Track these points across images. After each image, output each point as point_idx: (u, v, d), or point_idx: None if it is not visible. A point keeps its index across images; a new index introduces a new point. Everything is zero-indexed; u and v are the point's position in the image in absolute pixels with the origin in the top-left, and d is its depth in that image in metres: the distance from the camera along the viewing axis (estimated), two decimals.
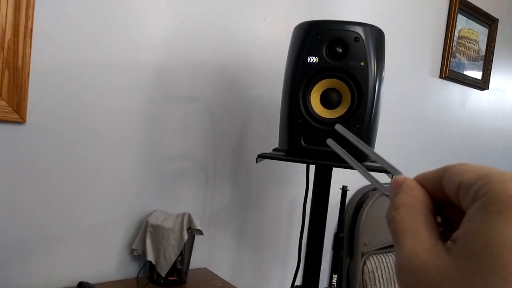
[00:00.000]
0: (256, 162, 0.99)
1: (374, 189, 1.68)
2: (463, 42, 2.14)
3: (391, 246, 1.66)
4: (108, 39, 1.08)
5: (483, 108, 2.38)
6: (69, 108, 1.04)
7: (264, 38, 1.38)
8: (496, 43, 2.32)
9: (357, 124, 0.90)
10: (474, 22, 2.17)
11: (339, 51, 0.90)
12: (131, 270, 1.19)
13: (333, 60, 0.90)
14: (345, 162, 0.33)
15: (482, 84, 2.31)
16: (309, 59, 0.91)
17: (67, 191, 1.06)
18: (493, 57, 2.33)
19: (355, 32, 0.89)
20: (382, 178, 0.42)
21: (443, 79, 2.08)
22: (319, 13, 1.50)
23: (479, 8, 2.15)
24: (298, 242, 1.19)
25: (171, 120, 1.21)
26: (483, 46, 2.27)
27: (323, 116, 0.92)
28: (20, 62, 0.95)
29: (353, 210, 1.65)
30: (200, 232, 1.15)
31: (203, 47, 1.25)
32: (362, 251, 1.60)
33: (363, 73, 0.89)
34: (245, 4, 1.32)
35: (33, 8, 0.95)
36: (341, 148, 0.34)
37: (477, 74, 2.27)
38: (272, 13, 1.39)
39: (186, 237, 1.12)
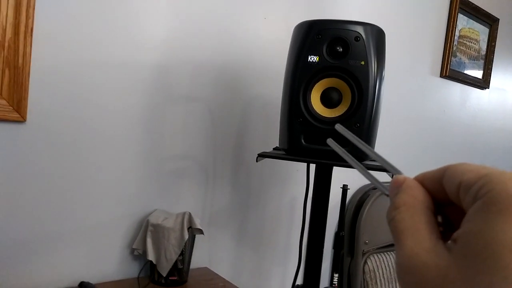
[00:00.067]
0: (257, 161, 0.99)
1: (375, 188, 1.68)
2: (464, 42, 2.14)
3: (392, 245, 1.66)
4: (108, 39, 1.08)
5: (483, 107, 2.38)
6: (69, 108, 1.04)
7: (264, 38, 1.37)
8: (496, 42, 2.32)
9: (357, 123, 0.90)
10: (474, 22, 2.17)
11: (339, 50, 0.90)
12: (132, 270, 1.19)
13: (333, 59, 0.90)
14: (345, 161, 0.33)
15: (483, 83, 2.31)
16: (309, 58, 0.90)
17: (68, 191, 1.06)
18: (493, 56, 2.33)
19: (356, 31, 0.89)
20: (382, 177, 0.42)
21: (444, 78, 2.08)
22: (319, 13, 1.50)
23: (479, 7, 2.14)
24: (298, 241, 1.19)
25: (171, 120, 1.21)
26: (483, 46, 2.27)
27: (323, 115, 0.92)
28: (20, 61, 0.95)
29: (353, 209, 1.65)
30: (200, 232, 1.15)
31: (203, 47, 1.25)
32: (363, 250, 1.61)
33: (364, 72, 0.89)
34: (245, 4, 1.32)
35: (34, 8, 0.95)
36: (341, 148, 0.34)
37: (478, 73, 2.27)
38: (272, 13, 1.39)
39: (186, 236, 1.12)
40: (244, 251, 1.44)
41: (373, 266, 1.61)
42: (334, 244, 1.68)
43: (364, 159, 0.91)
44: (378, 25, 0.93)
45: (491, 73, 2.33)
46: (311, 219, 1.06)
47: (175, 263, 1.12)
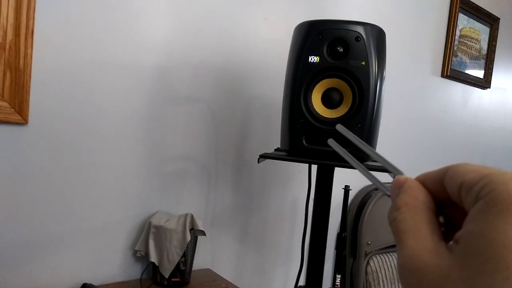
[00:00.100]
0: (258, 162, 0.99)
1: (376, 189, 1.68)
2: (465, 41, 2.13)
3: (394, 246, 1.65)
4: (108, 39, 1.08)
5: (484, 107, 2.38)
6: (71, 109, 1.04)
7: (264, 38, 1.38)
8: (497, 42, 2.31)
9: (358, 124, 0.90)
10: (475, 21, 2.17)
11: (340, 50, 0.90)
12: (134, 272, 1.19)
13: (334, 60, 0.90)
14: (347, 161, 0.33)
15: (484, 83, 2.30)
16: (310, 58, 0.90)
17: (69, 192, 1.06)
18: (494, 56, 2.32)
19: (356, 31, 0.89)
20: (384, 177, 0.42)
21: (445, 78, 2.07)
22: (319, 13, 1.50)
23: (480, 7, 2.14)
24: (300, 242, 1.19)
25: (172, 121, 1.22)
26: (484, 45, 2.27)
27: (324, 115, 0.92)
28: (21, 62, 0.95)
29: (355, 210, 1.65)
30: (202, 233, 1.15)
31: (203, 47, 1.25)
32: (365, 251, 1.60)
33: (364, 72, 0.89)
34: (245, 4, 1.32)
35: (34, 9, 0.95)
36: (342, 148, 0.34)
37: (479, 73, 2.27)
38: (272, 13, 1.39)
39: (189, 237, 1.12)
40: (247, 252, 1.44)
41: (375, 267, 1.61)
42: (336, 245, 1.68)
43: (365, 160, 0.91)
44: (378, 25, 0.92)
45: (492, 72, 2.32)
46: (313, 220, 1.06)
47: (178, 264, 1.12)
